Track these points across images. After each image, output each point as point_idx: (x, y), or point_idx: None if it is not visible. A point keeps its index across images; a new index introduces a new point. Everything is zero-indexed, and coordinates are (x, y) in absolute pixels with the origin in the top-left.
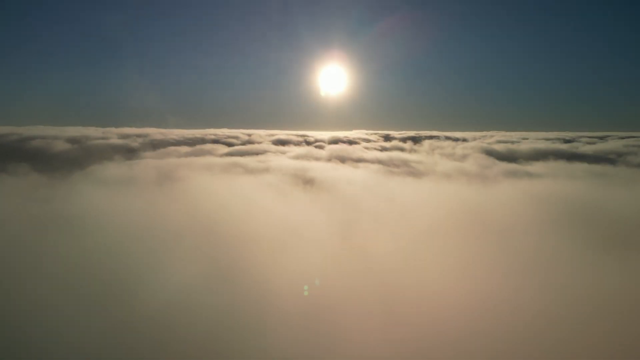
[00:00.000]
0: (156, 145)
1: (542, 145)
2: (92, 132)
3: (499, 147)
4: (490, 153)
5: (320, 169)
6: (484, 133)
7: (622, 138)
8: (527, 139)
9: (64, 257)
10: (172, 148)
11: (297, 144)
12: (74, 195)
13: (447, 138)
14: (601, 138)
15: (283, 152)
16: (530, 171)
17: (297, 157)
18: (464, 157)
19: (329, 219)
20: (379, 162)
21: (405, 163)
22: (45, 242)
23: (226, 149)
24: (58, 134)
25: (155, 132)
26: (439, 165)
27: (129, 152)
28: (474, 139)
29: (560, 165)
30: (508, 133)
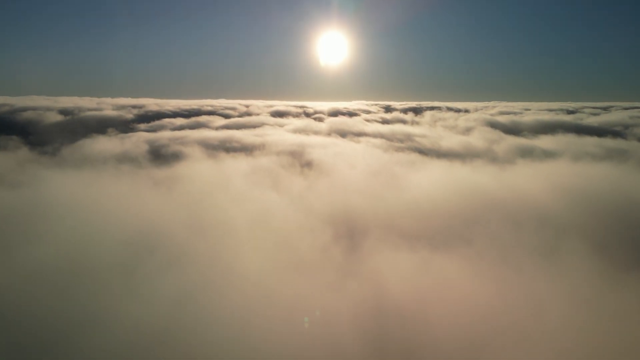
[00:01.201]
0: (151, 117)
1: (546, 116)
2: (87, 102)
3: (502, 119)
4: (494, 125)
5: (320, 145)
6: (485, 103)
7: (626, 109)
8: (529, 110)
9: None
10: (167, 120)
11: (296, 115)
12: (53, 180)
13: (449, 109)
14: (605, 109)
15: (281, 125)
16: (540, 147)
17: (296, 130)
18: (468, 130)
19: (330, 219)
20: (381, 136)
21: (409, 137)
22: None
23: (223, 121)
24: (51, 105)
25: (151, 103)
26: (444, 139)
27: (122, 124)
28: (476, 109)
29: (570, 139)
30: (510, 104)
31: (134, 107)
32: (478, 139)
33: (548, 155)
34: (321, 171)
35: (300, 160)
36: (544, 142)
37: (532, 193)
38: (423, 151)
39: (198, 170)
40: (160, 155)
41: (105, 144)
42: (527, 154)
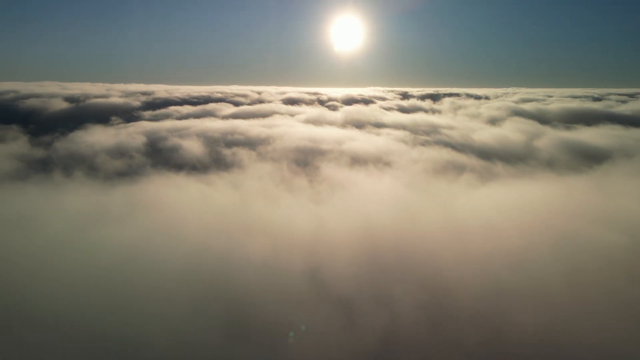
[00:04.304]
0: (158, 104)
1: (573, 104)
2: (96, 89)
3: (527, 107)
4: (520, 114)
5: (335, 141)
6: (504, 90)
7: None
8: (552, 96)
9: None
10: (174, 108)
11: (309, 103)
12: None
13: (469, 96)
14: (631, 95)
15: (293, 114)
16: (591, 143)
17: (309, 120)
18: (494, 120)
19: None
20: (403, 127)
21: (435, 129)
22: None
23: (232, 109)
24: (57, 92)
25: (161, 90)
26: (475, 132)
27: (127, 113)
28: (496, 96)
29: (619, 132)
30: (530, 90)
31: (143, 93)
32: (513, 132)
33: (611, 155)
34: (334, 186)
35: (308, 166)
36: (590, 135)
37: None
38: (455, 147)
39: (175, 187)
40: (155, 149)
41: (99, 136)
42: (587, 155)
